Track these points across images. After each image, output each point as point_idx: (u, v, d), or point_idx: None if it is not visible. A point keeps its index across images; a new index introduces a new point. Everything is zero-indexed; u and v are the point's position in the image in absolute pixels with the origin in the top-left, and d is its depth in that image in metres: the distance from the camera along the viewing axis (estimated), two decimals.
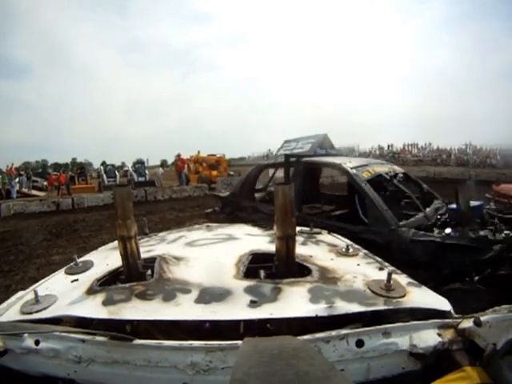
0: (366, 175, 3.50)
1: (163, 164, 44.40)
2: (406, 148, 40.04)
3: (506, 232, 2.87)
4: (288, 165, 4.37)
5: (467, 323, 0.87)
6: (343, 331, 0.87)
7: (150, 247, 1.59)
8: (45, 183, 22.20)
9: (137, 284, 1.14)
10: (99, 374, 0.86)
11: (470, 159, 29.90)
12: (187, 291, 1.08)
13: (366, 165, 3.82)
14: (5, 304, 1.18)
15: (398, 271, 1.28)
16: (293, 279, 1.15)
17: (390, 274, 1.09)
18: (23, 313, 1.08)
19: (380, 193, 3.56)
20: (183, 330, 1.05)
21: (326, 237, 1.85)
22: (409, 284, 1.13)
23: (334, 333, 0.87)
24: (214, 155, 21.51)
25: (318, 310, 0.96)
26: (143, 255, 1.35)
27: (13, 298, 1.21)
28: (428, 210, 3.48)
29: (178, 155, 19.56)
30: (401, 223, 3.06)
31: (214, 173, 19.04)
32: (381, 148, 40.96)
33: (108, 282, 1.26)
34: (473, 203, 3.24)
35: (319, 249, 1.57)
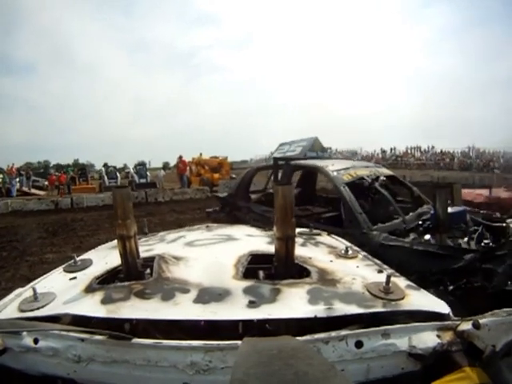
0: (346, 178, 3.58)
1: (165, 166, 44.44)
2: (409, 151, 40.38)
3: (486, 241, 2.81)
4: (277, 167, 4.48)
5: (466, 325, 0.88)
6: (342, 332, 0.88)
7: (149, 246, 1.59)
8: (46, 183, 22.26)
9: (136, 283, 1.14)
10: (98, 373, 0.86)
11: (474, 162, 29.57)
12: (186, 291, 1.08)
13: (349, 168, 3.87)
14: (3, 301, 1.17)
15: (397, 274, 1.28)
16: (292, 280, 1.15)
17: (388, 277, 1.09)
18: (22, 310, 1.07)
19: (369, 196, 3.70)
20: (182, 329, 1.05)
21: (325, 238, 1.85)
22: (407, 287, 1.14)
23: (333, 333, 0.87)
24: (216, 157, 21.36)
25: (317, 311, 0.96)
26: (142, 254, 1.35)
27: (11, 295, 1.21)
28: (410, 214, 3.49)
29: (180, 157, 19.44)
30: (375, 227, 3.07)
31: (216, 175, 18.80)
32: (383, 151, 40.63)
33: (107, 280, 1.26)
34: (454, 209, 3.17)
35: (318, 250, 1.58)
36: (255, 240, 1.69)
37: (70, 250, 7.09)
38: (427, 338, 0.86)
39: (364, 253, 1.56)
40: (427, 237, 3.00)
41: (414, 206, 3.84)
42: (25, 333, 0.92)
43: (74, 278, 1.31)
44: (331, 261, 1.41)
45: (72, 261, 1.46)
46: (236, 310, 0.98)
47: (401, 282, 1.17)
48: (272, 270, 1.26)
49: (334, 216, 3.86)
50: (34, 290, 1.13)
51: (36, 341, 0.91)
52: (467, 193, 6.51)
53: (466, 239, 2.93)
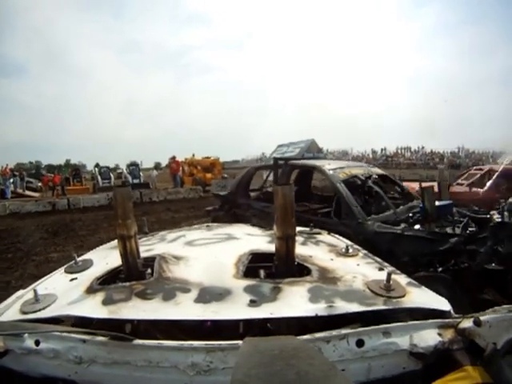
0: (342, 176, 4.00)
1: (157, 166, 44.21)
2: (399, 151, 40.63)
3: (471, 229, 3.19)
4: (277, 167, 4.79)
5: (467, 323, 0.87)
6: (343, 331, 0.88)
7: (149, 246, 1.60)
8: (39, 184, 22.30)
9: (136, 283, 1.15)
10: (100, 374, 0.86)
11: (463, 162, 30.20)
12: (187, 290, 1.08)
13: (344, 167, 4.31)
14: (4, 303, 1.17)
15: (398, 271, 1.28)
16: (292, 279, 1.15)
17: (389, 274, 1.09)
18: (23, 312, 1.07)
19: (362, 192, 4.13)
20: (183, 329, 1.06)
21: (325, 237, 1.86)
22: (408, 284, 1.14)
23: (334, 332, 0.87)
24: (208, 158, 21.78)
25: (318, 309, 0.96)
26: (143, 254, 1.36)
27: (12, 297, 1.21)
28: (401, 208, 3.93)
29: (173, 158, 19.78)
30: (369, 218, 3.46)
31: (209, 175, 19.24)
32: (374, 152, 41.71)
33: (108, 281, 1.26)
34: (441, 203, 3.62)
35: (319, 249, 1.58)
36: (255, 239, 1.70)
37: (72, 248, 7.27)
38: (428, 337, 0.87)
39: (364, 251, 1.57)
40: (417, 226, 3.38)
41: (405, 201, 4.26)
42: (26, 335, 0.92)
43: (75, 278, 1.31)
44: (332, 259, 1.41)
45: (73, 261, 1.47)
46: (237, 309, 0.98)
47: (402, 279, 1.17)
48: (273, 268, 1.27)
49: (329, 211, 4.20)
50: (35, 291, 1.13)
51: (37, 342, 0.91)
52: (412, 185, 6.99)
53: (451, 228, 3.28)
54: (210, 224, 2.19)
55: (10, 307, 1.13)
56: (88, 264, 1.45)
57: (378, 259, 1.45)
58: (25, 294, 1.22)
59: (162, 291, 1.08)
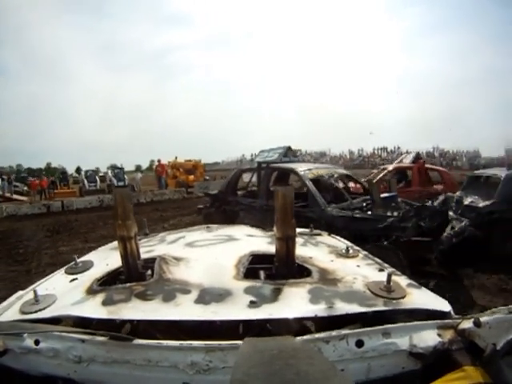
0: (310, 176, 5.35)
1: (138, 169, 44.62)
2: (376, 152, 42.30)
3: (411, 214, 4.28)
4: (260, 170, 6.12)
5: (467, 324, 0.87)
6: (343, 331, 0.88)
7: (149, 247, 1.60)
8: (25, 188, 22.70)
9: (136, 284, 1.15)
10: (99, 373, 0.86)
11: (437, 161, 31.27)
12: (187, 291, 1.08)
13: (312, 168, 5.66)
14: (4, 304, 1.17)
15: (398, 272, 1.29)
16: (293, 280, 1.15)
17: (389, 275, 1.09)
18: (23, 312, 1.08)
19: (326, 187, 5.43)
20: (183, 330, 1.06)
21: (325, 238, 1.87)
22: (408, 285, 1.14)
23: (333, 333, 0.87)
24: (190, 161, 22.75)
25: (318, 310, 0.96)
26: (143, 255, 1.36)
27: (12, 298, 1.21)
28: (357, 199, 5.26)
29: (159, 161, 20.85)
30: (329, 206, 4.81)
31: (191, 177, 20.25)
32: (351, 152, 43.56)
33: (108, 282, 1.26)
34: (386, 194, 5.15)
35: (319, 250, 1.59)
36: (256, 240, 1.71)
37: (78, 243, 8.34)
38: (428, 337, 0.86)
39: (365, 252, 1.58)
40: (369, 212, 4.61)
41: (364, 195, 5.58)
42: (26, 334, 0.92)
43: (75, 279, 1.31)
44: (332, 260, 1.41)
45: (73, 263, 1.47)
46: (237, 310, 0.98)
47: (402, 280, 1.17)
48: (273, 270, 1.27)
49: (303, 204, 5.40)
50: (35, 292, 1.13)
51: (37, 342, 0.91)
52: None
53: (397, 212, 4.45)
54: (210, 225, 2.19)
55: (10, 308, 1.14)
56: (88, 265, 1.46)
57: (379, 260, 1.46)
58: (25, 295, 1.22)
59: (162, 292, 1.08)
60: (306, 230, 1.98)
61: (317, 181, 5.37)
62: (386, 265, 1.40)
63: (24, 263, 6.98)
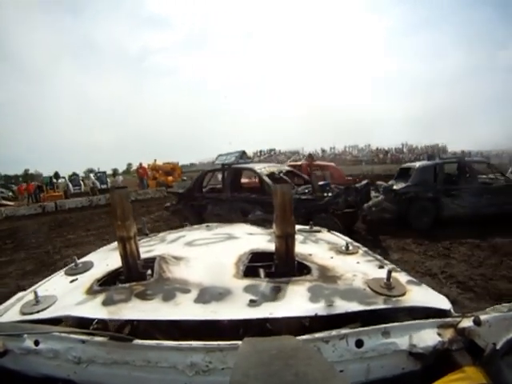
0: (265, 172, 7.25)
1: (115, 172, 45.12)
2: (347, 149, 44.43)
3: (341, 193, 6.49)
4: (224, 170, 7.87)
5: (467, 322, 0.86)
6: (343, 331, 0.87)
7: (149, 247, 1.60)
8: (10, 193, 23.89)
9: (136, 284, 1.14)
10: (99, 374, 0.86)
11: (405, 157, 32.58)
12: (187, 291, 1.08)
13: (265, 167, 7.59)
14: (4, 305, 1.18)
15: (398, 269, 1.28)
16: (292, 278, 1.15)
17: (389, 272, 1.08)
18: (23, 313, 1.08)
19: (278, 181, 7.05)
20: (183, 329, 1.06)
21: (325, 235, 1.86)
22: (409, 282, 1.13)
23: (333, 333, 0.87)
24: (169, 163, 24.97)
25: (318, 308, 0.95)
26: (143, 255, 1.36)
27: (12, 299, 1.21)
28: (301, 187, 7.34)
29: (140, 164, 23.25)
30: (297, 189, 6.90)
31: (170, 178, 22.27)
32: (323, 150, 44.76)
33: (108, 282, 1.26)
34: (323, 182, 7.21)
35: (319, 247, 1.58)
36: (255, 238, 1.70)
37: (81, 232, 9.89)
38: (428, 336, 0.86)
39: (365, 248, 1.57)
40: (310, 196, 6.61)
41: (304, 184, 7.65)
42: (25, 335, 0.92)
43: (75, 280, 1.31)
44: (331, 257, 1.41)
45: (73, 263, 1.47)
46: (237, 309, 0.98)
47: (402, 277, 1.17)
48: (272, 268, 1.26)
49: (253, 197, 7.32)
50: (36, 293, 1.13)
51: (37, 343, 0.91)
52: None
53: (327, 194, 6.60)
54: (209, 224, 2.20)
55: (10, 308, 1.14)
56: (88, 266, 1.45)
57: (379, 257, 1.45)
58: (25, 296, 1.22)
59: (162, 292, 1.08)
60: (306, 227, 1.97)
61: (270, 175, 7.24)
62: (386, 261, 1.39)
63: (40, 248, 8.42)
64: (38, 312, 1.07)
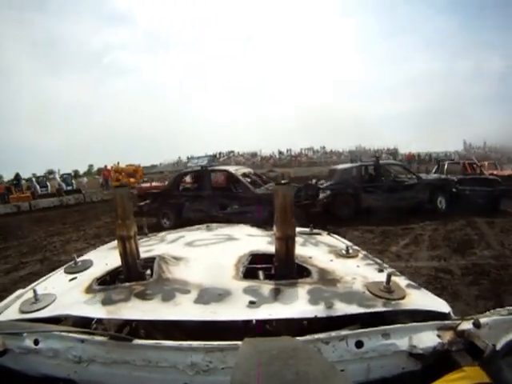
0: (239, 173, 8.97)
1: (76, 174, 45.35)
2: (303, 152, 46.20)
3: (302, 188, 8.54)
4: (203, 171, 9.22)
5: (466, 325, 0.87)
6: (343, 332, 0.88)
7: (149, 247, 1.60)
8: None
9: (136, 284, 1.15)
10: (99, 374, 0.86)
11: (357, 158, 35.63)
12: (186, 291, 1.08)
13: (238, 169, 9.54)
14: (4, 303, 1.18)
15: (398, 273, 1.28)
16: (292, 280, 1.15)
17: (389, 276, 1.09)
18: (22, 312, 1.07)
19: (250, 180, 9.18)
20: (182, 330, 1.06)
21: (325, 238, 1.87)
22: (408, 286, 1.13)
23: (333, 333, 0.87)
24: (131, 165, 26.16)
25: (318, 311, 0.96)
26: (143, 255, 1.36)
27: (12, 297, 1.21)
28: (268, 184, 8.96)
29: (105, 166, 25.12)
30: (256, 189, 8.54)
31: (132, 180, 22.99)
32: (280, 152, 46.52)
33: (107, 281, 1.27)
34: (284, 181, 10.03)
35: (319, 250, 1.59)
36: (255, 240, 1.71)
37: (60, 225, 11.31)
38: (427, 338, 0.87)
39: (364, 252, 1.57)
40: None
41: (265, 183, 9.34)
42: (25, 334, 0.92)
43: (75, 278, 1.31)
44: (331, 260, 1.41)
45: (72, 262, 1.47)
46: (236, 310, 0.98)
47: (401, 281, 1.17)
48: (272, 270, 1.26)
49: (229, 193, 9.07)
50: (35, 291, 1.13)
51: (36, 342, 0.91)
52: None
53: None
54: (209, 224, 2.20)
55: (9, 307, 1.13)
56: (87, 264, 1.46)
57: (378, 260, 1.45)
58: (24, 294, 1.22)
59: (162, 292, 1.08)
60: (306, 230, 1.97)
61: (243, 176, 8.95)
62: (385, 265, 1.39)
63: (28, 237, 9.52)
64: (37, 310, 1.06)
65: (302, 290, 1.09)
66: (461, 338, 0.86)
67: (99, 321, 1.11)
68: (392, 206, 9.22)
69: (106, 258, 1.54)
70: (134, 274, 1.24)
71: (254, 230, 2.02)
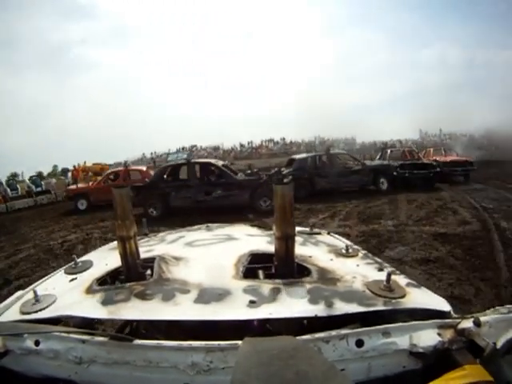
0: (220, 164, 11.68)
1: (40, 175, 45.48)
2: (264, 143, 46.24)
3: (273, 174, 11.99)
4: (188, 164, 10.96)
5: (467, 323, 0.87)
6: (343, 331, 0.88)
7: (149, 247, 1.61)
8: None
9: (136, 284, 1.15)
10: (100, 375, 0.86)
11: (318, 148, 33.05)
12: (186, 291, 1.08)
13: (217, 161, 12.02)
14: (4, 304, 1.18)
15: (398, 272, 1.28)
16: (292, 279, 1.15)
17: (389, 275, 1.09)
18: (23, 313, 1.08)
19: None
20: (182, 330, 1.06)
21: (325, 237, 1.87)
22: (408, 285, 1.13)
23: (333, 333, 0.87)
24: (98, 164, 26.52)
25: (318, 310, 0.96)
26: (142, 255, 1.36)
27: (12, 298, 1.21)
28: (240, 173, 11.42)
29: (74, 166, 25.45)
30: (236, 176, 10.93)
31: (99, 178, 23.83)
32: (242, 145, 46.38)
33: (107, 281, 1.27)
34: (255, 169, 12.50)
35: (319, 249, 1.59)
36: (255, 239, 1.71)
37: (40, 221, 12.24)
38: (428, 337, 0.87)
39: (364, 251, 1.57)
40: (251, 177, 10.98)
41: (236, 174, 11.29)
42: (26, 335, 0.92)
43: (75, 279, 1.32)
44: (331, 259, 1.41)
45: (72, 262, 1.47)
46: (236, 309, 0.98)
47: (401, 279, 1.17)
48: (272, 269, 1.27)
49: (213, 181, 10.75)
50: (35, 292, 1.13)
51: (37, 343, 0.91)
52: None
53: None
54: (209, 224, 2.20)
55: (10, 308, 1.13)
56: (87, 265, 1.46)
57: (378, 259, 1.46)
58: (24, 295, 1.22)
59: (162, 292, 1.08)
60: (306, 229, 1.96)
61: (224, 166, 10.96)
62: (385, 264, 1.39)
63: (15, 232, 10.26)
64: (37, 311, 1.06)
65: (302, 290, 1.09)
66: (461, 337, 0.86)
67: (100, 321, 1.11)
68: (341, 187, 11.85)
69: (105, 258, 1.54)
70: (134, 275, 1.24)
71: (254, 230, 2.04)
